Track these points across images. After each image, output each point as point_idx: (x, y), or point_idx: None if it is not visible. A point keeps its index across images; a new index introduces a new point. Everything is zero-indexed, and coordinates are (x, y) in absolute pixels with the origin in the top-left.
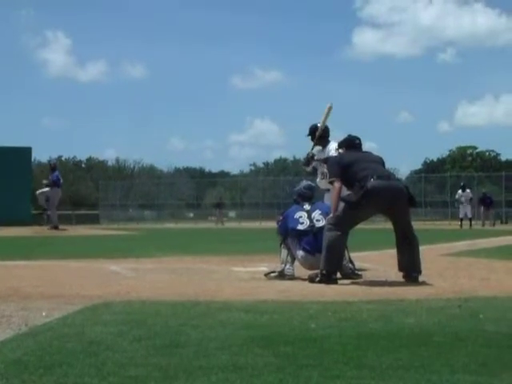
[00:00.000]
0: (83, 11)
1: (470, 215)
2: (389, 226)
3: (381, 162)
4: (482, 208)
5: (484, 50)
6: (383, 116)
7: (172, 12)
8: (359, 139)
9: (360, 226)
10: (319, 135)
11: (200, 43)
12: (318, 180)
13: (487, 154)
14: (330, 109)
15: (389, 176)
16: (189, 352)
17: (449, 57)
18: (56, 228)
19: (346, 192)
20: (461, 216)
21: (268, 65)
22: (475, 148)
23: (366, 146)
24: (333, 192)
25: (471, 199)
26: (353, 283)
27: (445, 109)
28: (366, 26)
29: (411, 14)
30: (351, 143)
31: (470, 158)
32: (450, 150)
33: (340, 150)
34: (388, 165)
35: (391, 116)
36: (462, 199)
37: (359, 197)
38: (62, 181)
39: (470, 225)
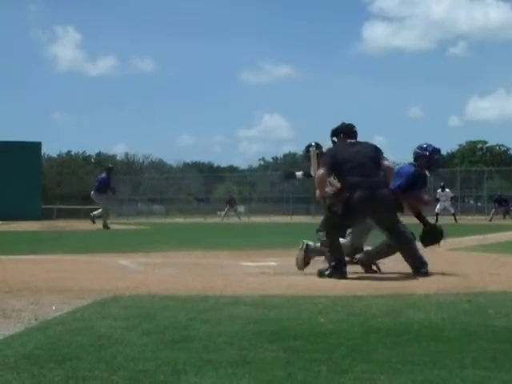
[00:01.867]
0: (93, 6)
1: (452, 211)
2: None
3: (374, 157)
4: (497, 206)
5: (496, 44)
6: (393, 111)
7: (182, 6)
8: (355, 127)
9: (368, 219)
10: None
11: (210, 38)
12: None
13: (497, 148)
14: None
15: (376, 184)
16: (198, 346)
17: (460, 51)
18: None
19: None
20: (437, 211)
21: (277, 59)
22: (485, 142)
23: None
24: (316, 178)
25: (452, 198)
26: (361, 278)
27: (455, 103)
28: (377, 20)
29: (422, 8)
30: (348, 131)
31: (479, 153)
32: (459, 145)
33: (334, 138)
34: (397, 160)
35: (401, 111)
36: (443, 198)
37: (344, 210)
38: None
39: (455, 220)
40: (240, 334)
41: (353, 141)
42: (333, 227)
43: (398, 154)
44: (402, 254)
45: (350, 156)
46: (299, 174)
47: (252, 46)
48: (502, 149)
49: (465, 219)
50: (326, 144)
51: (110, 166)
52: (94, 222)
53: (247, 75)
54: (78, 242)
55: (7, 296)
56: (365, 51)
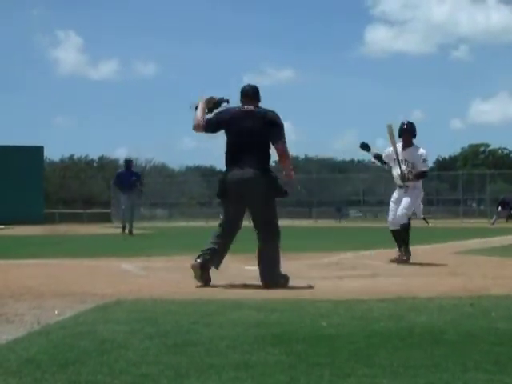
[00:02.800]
0: (95, 10)
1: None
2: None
3: (260, 131)
4: (500, 209)
5: (498, 47)
6: (395, 114)
7: (184, 10)
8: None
9: (368, 223)
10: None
11: (211, 42)
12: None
13: (499, 151)
14: (390, 128)
15: (246, 162)
16: (200, 350)
17: (462, 54)
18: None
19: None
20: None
21: (280, 63)
22: (487, 145)
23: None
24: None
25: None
26: (364, 281)
27: (457, 106)
28: (378, 23)
29: (424, 11)
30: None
31: (482, 156)
32: (462, 148)
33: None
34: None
35: (403, 114)
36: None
37: (218, 191)
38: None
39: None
40: (242, 337)
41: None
42: (224, 220)
43: None
44: (258, 257)
45: (235, 130)
46: (374, 151)
47: (254, 50)
48: (505, 152)
49: (467, 222)
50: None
51: (128, 158)
52: (128, 232)
53: (249, 79)
54: (80, 246)
55: (10, 300)
56: (367, 54)
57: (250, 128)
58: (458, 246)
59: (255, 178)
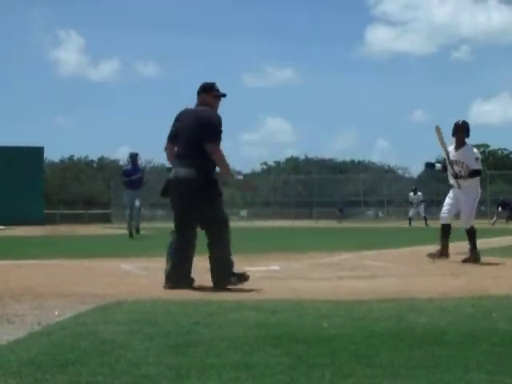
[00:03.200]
0: (96, 10)
1: (423, 214)
2: (401, 224)
3: (194, 130)
4: (500, 210)
5: (499, 47)
6: (397, 114)
7: (184, 9)
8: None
9: (371, 224)
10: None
11: (212, 40)
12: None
13: (500, 152)
14: (438, 130)
15: (183, 161)
16: (200, 351)
17: (463, 54)
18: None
19: None
20: (410, 215)
21: (280, 63)
22: (487, 146)
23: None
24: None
25: (422, 201)
26: (364, 282)
27: (459, 107)
28: (380, 23)
29: (425, 12)
30: (209, 89)
31: (482, 157)
32: None
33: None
34: (401, 163)
35: (405, 114)
36: (414, 201)
37: (161, 189)
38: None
39: (426, 223)
40: (243, 338)
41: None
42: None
43: (401, 158)
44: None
45: (180, 124)
46: (438, 166)
47: (254, 49)
48: (505, 152)
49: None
50: None
51: (132, 152)
52: (136, 231)
53: (249, 78)
54: (80, 246)
55: (10, 301)
56: (368, 55)
57: (186, 127)
58: (458, 246)
59: (190, 177)
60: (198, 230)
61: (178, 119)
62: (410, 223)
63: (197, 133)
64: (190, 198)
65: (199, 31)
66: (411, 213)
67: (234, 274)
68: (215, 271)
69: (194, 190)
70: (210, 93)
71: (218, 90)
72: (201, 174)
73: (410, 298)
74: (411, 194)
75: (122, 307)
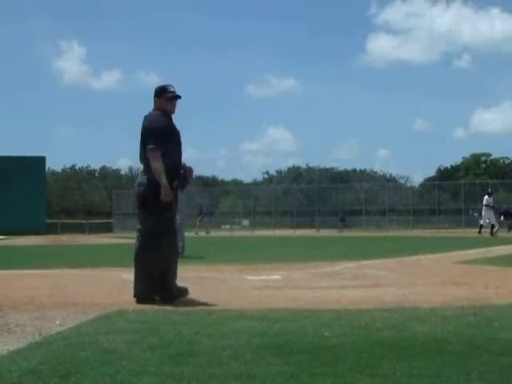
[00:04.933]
0: (98, 20)
1: (493, 222)
2: (402, 233)
3: (141, 136)
4: (502, 219)
5: (500, 56)
6: (398, 123)
7: (186, 20)
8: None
9: (371, 233)
10: None
11: (214, 51)
12: None
13: (501, 161)
14: None
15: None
16: (202, 360)
17: (465, 63)
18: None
19: None
20: (492, 222)
21: (282, 72)
22: (489, 155)
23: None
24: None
25: (492, 207)
26: (366, 291)
27: (460, 116)
28: (381, 32)
29: (426, 20)
30: (161, 92)
31: (483, 165)
32: (463, 158)
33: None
34: (401, 172)
35: (406, 123)
36: (491, 204)
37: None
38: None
39: (492, 232)
40: (244, 347)
41: None
42: None
43: (403, 167)
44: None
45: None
46: None
47: (256, 59)
48: (507, 161)
49: (470, 232)
50: None
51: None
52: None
53: (252, 88)
54: (82, 256)
55: (11, 311)
56: (369, 64)
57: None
58: (460, 255)
59: (138, 185)
60: None
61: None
62: (492, 230)
63: (143, 139)
64: (138, 206)
65: (202, 43)
66: (491, 219)
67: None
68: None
69: (138, 198)
70: (161, 96)
71: (171, 92)
72: (146, 182)
73: (412, 307)
74: (486, 196)
75: (124, 317)
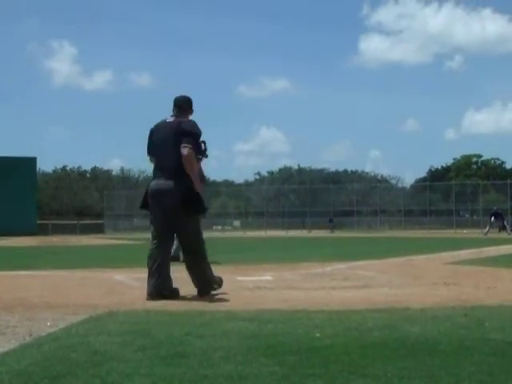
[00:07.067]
0: (88, 20)
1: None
2: (393, 234)
3: (172, 141)
4: (493, 220)
5: (492, 57)
6: (389, 124)
7: (178, 21)
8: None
9: (363, 233)
10: None
11: (206, 52)
12: None
13: (492, 162)
14: None
15: (164, 172)
16: (193, 362)
17: (456, 64)
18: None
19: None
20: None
21: (274, 73)
22: (480, 156)
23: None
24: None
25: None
26: (357, 292)
27: (452, 116)
28: (373, 33)
29: (419, 21)
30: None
31: (474, 167)
32: (454, 159)
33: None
34: (392, 173)
35: (397, 124)
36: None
37: (142, 200)
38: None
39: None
40: (236, 348)
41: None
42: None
43: (394, 167)
44: (190, 272)
45: (156, 137)
46: None
47: (249, 60)
48: (497, 162)
49: (460, 233)
50: None
51: None
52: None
53: (244, 89)
54: (73, 257)
55: (2, 312)
56: (362, 64)
57: (163, 138)
58: (451, 256)
59: (169, 189)
60: None
61: (154, 130)
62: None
63: (177, 143)
64: (172, 211)
65: (194, 44)
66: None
67: (215, 283)
68: (198, 283)
69: (174, 203)
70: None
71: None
72: (183, 187)
73: (403, 308)
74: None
75: (115, 318)
